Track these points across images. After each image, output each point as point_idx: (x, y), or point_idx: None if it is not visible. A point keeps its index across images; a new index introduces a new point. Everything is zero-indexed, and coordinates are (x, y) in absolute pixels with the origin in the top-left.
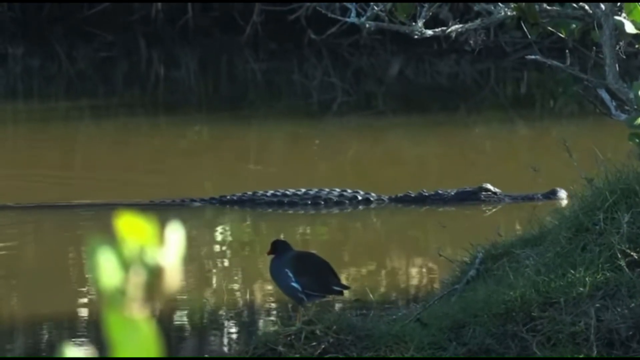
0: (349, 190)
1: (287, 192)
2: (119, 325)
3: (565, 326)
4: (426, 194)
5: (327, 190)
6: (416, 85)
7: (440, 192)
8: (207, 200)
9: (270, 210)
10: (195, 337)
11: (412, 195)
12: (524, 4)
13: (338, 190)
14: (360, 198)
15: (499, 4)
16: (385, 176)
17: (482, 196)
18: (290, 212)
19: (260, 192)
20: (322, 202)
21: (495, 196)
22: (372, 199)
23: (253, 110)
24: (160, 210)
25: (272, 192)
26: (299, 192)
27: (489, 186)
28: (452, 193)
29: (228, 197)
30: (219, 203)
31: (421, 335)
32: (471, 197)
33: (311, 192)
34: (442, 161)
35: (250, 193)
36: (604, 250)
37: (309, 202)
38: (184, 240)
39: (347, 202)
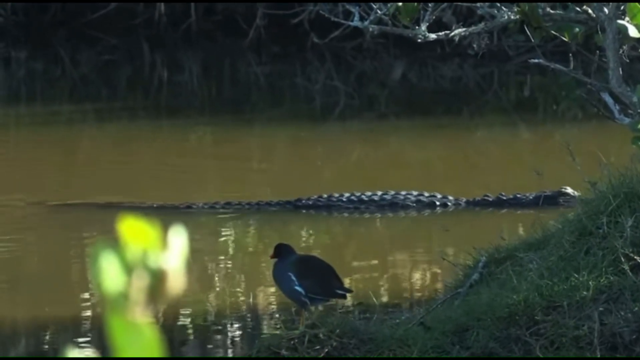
0: (426, 194)
1: (363, 197)
2: (122, 329)
3: (569, 330)
4: (504, 198)
5: (403, 194)
6: (419, 88)
7: (518, 195)
8: (282, 203)
9: (346, 214)
10: (198, 340)
11: (490, 199)
12: (527, 7)
13: (415, 193)
14: (437, 202)
15: (502, 7)
16: (388, 179)
17: (561, 201)
18: (367, 216)
19: (336, 195)
20: (399, 206)
21: (575, 200)
22: (448, 202)
23: (256, 114)
24: (233, 213)
25: (347, 195)
26: (375, 197)
27: (569, 190)
28: (531, 197)
29: (303, 201)
30: (294, 207)
31: (424, 338)
32: (550, 201)
33: (387, 197)
34: (445, 164)
35: (325, 197)
36: (608, 254)
37: (386, 206)
38: (186, 243)
39: (423, 205)
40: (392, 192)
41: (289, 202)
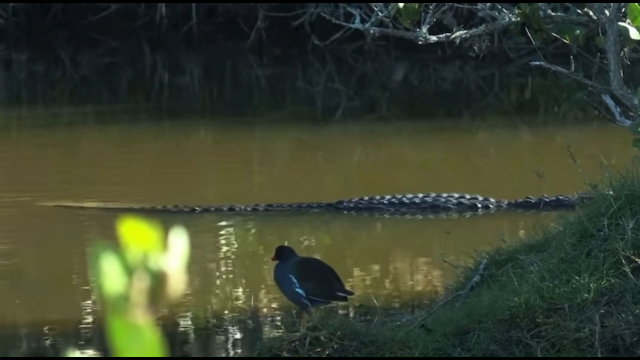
0: (467, 196)
1: (404, 200)
2: (123, 331)
3: (570, 332)
4: (547, 200)
5: (444, 196)
6: (420, 91)
7: (561, 197)
8: (323, 205)
9: (387, 216)
10: (199, 342)
11: (533, 200)
12: (528, 9)
13: (456, 195)
14: (478, 204)
15: (503, 9)
16: (389, 181)
17: None
18: (408, 218)
19: (377, 197)
20: (440, 209)
21: None
22: (490, 205)
23: (257, 116)
24: (277, 215)
25: (388, 198)
26: (416, 199)
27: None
28: (573, 199)
29: (344, 204)
30: (335, 209)
31: (425, 341)
32: None
33: (428, 199)
34: (446, 166)
35: (366, 199)
36: (609, 257)
37: (427, 209)
38: (187, 245)
39: (465, 207)
40: (433, 195)
41: (331, 205)
